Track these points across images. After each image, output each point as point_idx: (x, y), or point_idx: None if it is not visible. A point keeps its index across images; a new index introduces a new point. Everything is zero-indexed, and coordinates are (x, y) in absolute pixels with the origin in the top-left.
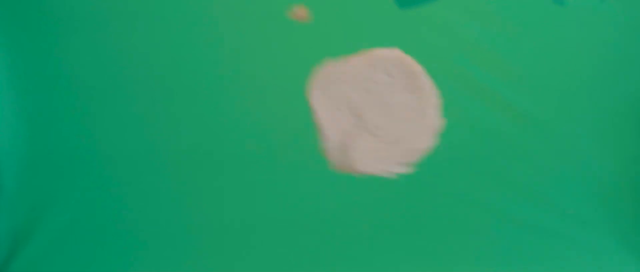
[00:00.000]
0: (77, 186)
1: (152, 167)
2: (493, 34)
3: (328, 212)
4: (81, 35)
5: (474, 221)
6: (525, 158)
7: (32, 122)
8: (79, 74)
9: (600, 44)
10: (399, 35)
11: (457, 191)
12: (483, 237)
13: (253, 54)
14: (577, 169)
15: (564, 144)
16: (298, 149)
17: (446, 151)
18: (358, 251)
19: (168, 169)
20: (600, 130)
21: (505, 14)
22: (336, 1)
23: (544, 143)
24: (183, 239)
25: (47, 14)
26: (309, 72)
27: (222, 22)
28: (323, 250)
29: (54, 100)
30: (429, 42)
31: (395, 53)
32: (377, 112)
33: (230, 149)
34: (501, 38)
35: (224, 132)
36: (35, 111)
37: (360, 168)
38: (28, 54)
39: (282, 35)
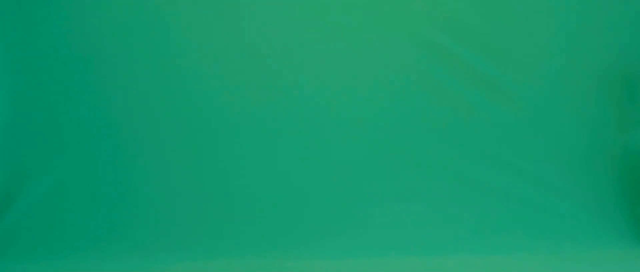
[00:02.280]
0: (61, 150)
1: (135, 132)
2: (465, 5)
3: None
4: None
5: (441, 188)
6: (492, 125)
7: (14, 87)
8: (61, 39)
9: (566, 15)
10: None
11: (423, 159)
12: (451, 204)
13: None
14: (543, 135)
15: (531, 111)
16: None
17: (413, 118)
18: (325, 220)
19: (152, 134)
20: (566, 98)
21: None
22: None
23: (511, 110)
24: (164, 201)
25: None
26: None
27: None
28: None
29: (37, 65)
30: (401, 11)
31: None
32: None
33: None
34: (472, 8)
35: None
36: (18, 76)
37: None
38: (9, 21)
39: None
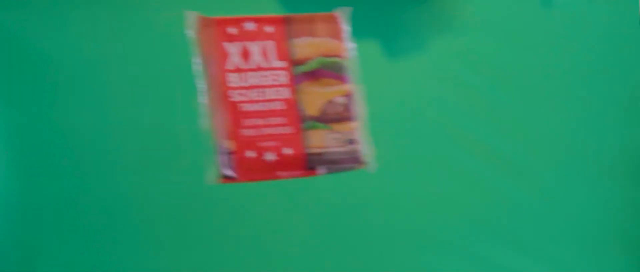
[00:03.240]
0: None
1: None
2: (480, 81)
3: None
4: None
5: (455, 267)
6: (507, 205)
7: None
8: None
9: (582, 93)
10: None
11: (438, 237)
12: None
13: None
14: (558, 215)
15: (553, 193)
16: None
17: (427, 196)
18: None
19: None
20: (582, 177)
21: (486, 57)
22: None
23: (526, 190)
24: None
25: None
26: None
27: None
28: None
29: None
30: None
31: None
32: None
33: None
34: (485, 85)
35: None
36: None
37: None
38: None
39: None
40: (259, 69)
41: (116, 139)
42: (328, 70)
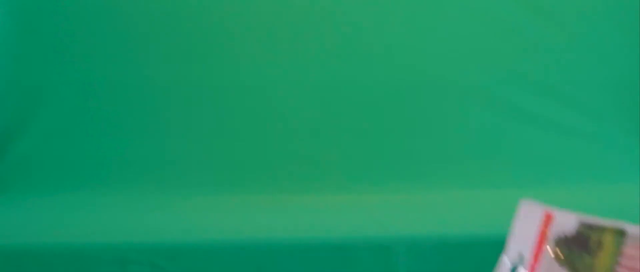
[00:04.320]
0: (67, 77)
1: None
2: None
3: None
4: None
5: (480, 114)
6: (537, 49)
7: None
8: None
9: None
10: None
11: (466, 83)
12: (488, 130)
13: None
14: (590, 60)
15: (578, 34)
16: None
17: (455, 40)
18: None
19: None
20: (615, 23)
21: None
22: None
23: (557, 34)
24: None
25: None
26: None
27: None
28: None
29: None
30: None
31: None
32: None
33: None
34: None
35: None
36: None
37: None
38: None
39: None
40: None
41: None
42: None
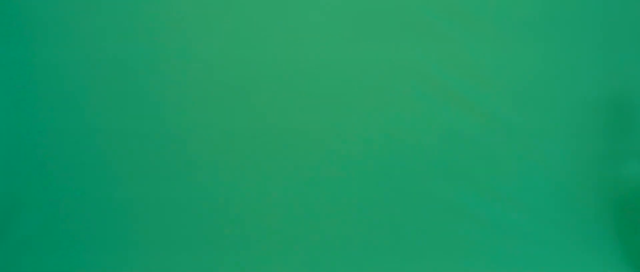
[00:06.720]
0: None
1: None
2: (461, 37)
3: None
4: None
5: (438, 219)
6: (488, 157)
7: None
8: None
9: (558, 44)
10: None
11: (422, 190)
12: (447, 234)
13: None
14: (538, 167)
15: (527, 143)
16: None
17: (412, 151)
18: (328, 247)
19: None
20: (559, 128)
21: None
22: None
23: (507, 143)
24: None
25: None
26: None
27: None
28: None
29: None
30: (396, 46)
31: None
32: None
33: None
34: (467, 42)
35: None
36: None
37: None
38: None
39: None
40: None
41: None
42: None
